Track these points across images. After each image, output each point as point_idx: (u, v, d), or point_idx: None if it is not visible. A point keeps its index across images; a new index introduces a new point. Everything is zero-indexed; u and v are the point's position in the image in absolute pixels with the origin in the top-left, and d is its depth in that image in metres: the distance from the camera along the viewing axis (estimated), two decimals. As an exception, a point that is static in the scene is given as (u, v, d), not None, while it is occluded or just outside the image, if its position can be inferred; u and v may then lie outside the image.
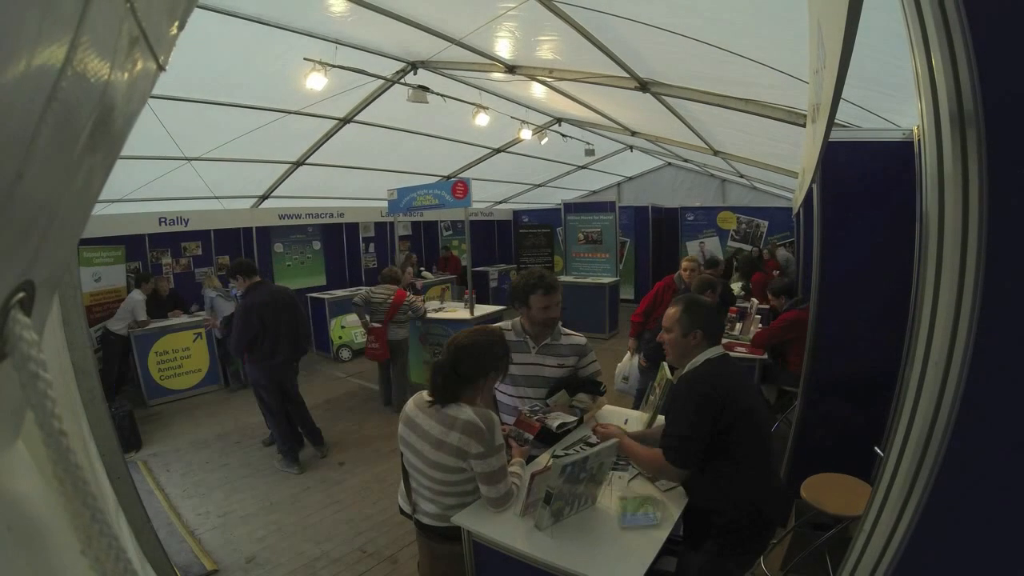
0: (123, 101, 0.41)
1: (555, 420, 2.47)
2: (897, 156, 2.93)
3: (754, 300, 5.94)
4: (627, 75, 4.83)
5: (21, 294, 0.34)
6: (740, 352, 4.38)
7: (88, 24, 0.33)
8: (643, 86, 4.92)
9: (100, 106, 0.38)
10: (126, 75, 0.40)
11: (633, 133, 8.51)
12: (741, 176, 10.79)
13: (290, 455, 4.54)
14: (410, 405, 2.07)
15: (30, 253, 0.34)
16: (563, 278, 9.66)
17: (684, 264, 4.85)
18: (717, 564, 1.96)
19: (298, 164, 7.42)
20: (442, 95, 5.73)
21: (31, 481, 0.36)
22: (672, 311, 2.21)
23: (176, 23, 0.49)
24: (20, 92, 0.30)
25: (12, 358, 0.32)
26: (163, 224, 7.19)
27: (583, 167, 11.31)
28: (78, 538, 0.34)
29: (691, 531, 2.05)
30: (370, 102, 6.13)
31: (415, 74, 5.62)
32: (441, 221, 12.25)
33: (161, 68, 0.46)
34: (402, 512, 2.19)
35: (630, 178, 13.65)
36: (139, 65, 0.42)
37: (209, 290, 6.64)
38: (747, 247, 10.91)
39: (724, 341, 4.49)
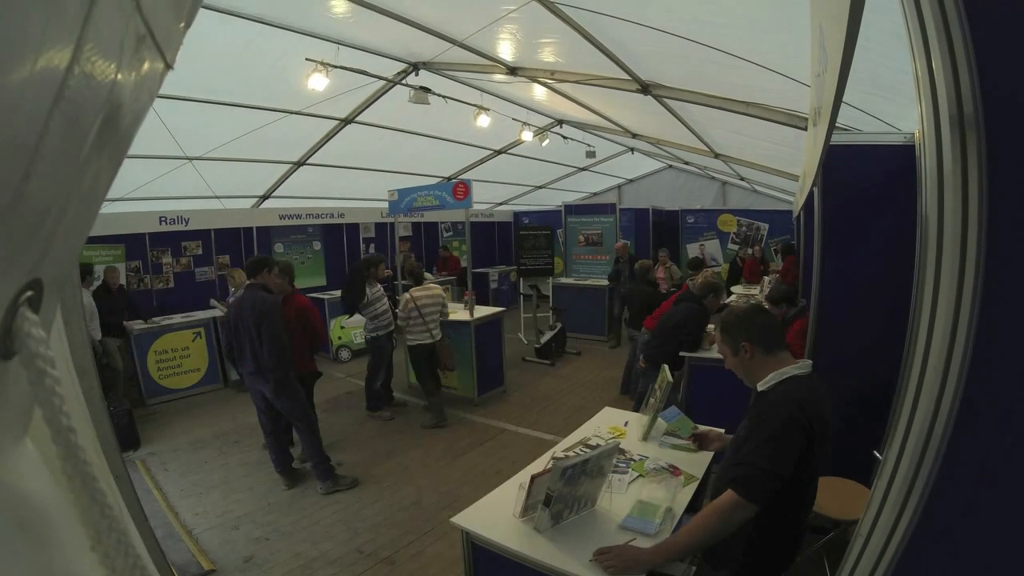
0: (131, 100, 0.41)
1: None
2: (898, 159, 2.94)
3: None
4: (628, 77, 4.84)
5: (29, 292, 0.34)
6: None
7: (94, 23, 0.34)
8: (644, 88, 4.93)
9: (107, 105, 0.38)
10: (133, 74, 0.41)
11: (634, 135, 8.53)
12: (742, 179, 10.81)
13: (279, 466, 4.31)
14: (415, 291, 5.05)
15: (38, 252, 0.34)
16: (563, 280, 9.69)
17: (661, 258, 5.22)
18: None
19: (299, 164, 7.42)
20: (443, 96, 5.74)
21: (40, 478, 0.36)
22: (716, 335, 2.11)
23: (183, 21, 0.49)
24: (27, 92, 0.30)
25: (21, 355, 0.32)
26: (163, 223, 7.19)
27: (584, 169, 11.32)
28: (87, 534, 0.34)
29: (715, 548, 1.83)
30: (371, 103, 6.14)
31: (416, 75, 5.63)
32: (441, 222, 12.25)
33: (169, 66, 0.46)
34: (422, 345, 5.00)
35: (631, 180, 13.67)
36: (146, 64, 0.42)
37: (233, 288, 6.48)
38: (749, 249, 10.94)
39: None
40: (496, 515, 2.02)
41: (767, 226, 11.08)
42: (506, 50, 5.04)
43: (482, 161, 9.39)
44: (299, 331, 4.37)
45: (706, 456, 2.57)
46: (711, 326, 4.40)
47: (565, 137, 8.40)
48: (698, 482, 2.32)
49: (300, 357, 4.33)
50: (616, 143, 9.88)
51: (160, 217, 7.16)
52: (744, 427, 1.94)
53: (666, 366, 3.00)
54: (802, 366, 1.85)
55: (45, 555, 0.34)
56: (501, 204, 13.22)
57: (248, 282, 4.13)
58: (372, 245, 10.51)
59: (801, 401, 1.72)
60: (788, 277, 5.94)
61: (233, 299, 4.19)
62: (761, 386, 1.88)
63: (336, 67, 4.72)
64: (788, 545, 1.83)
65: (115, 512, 0.34)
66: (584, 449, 2.56)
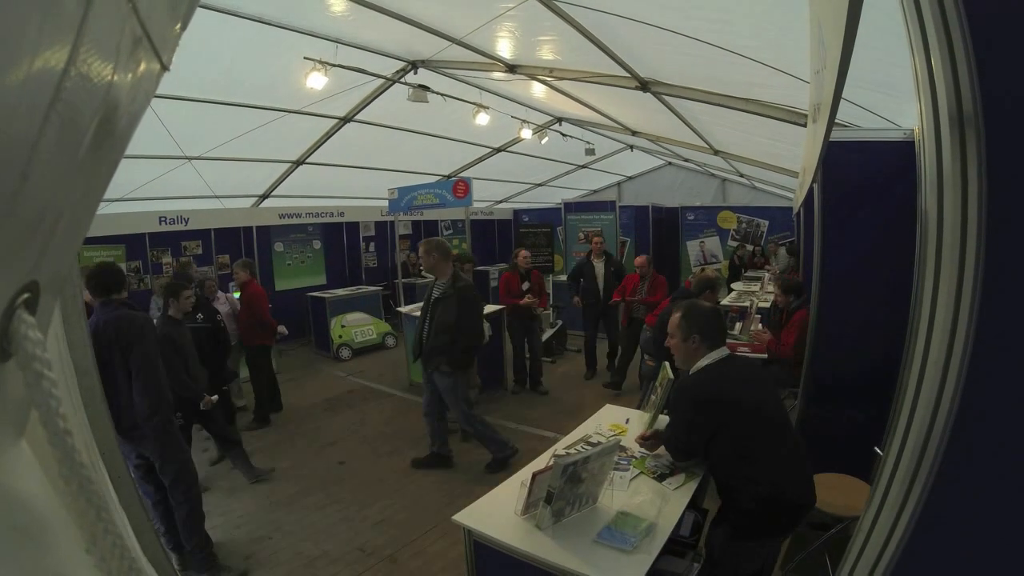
0: (127, 101, 0.41)
1: None
2: (898, 156, 2.93)
3: (754, 300, 5.94)
4: (628, 75, 4.83)
5: (26, 294, 0.34)
6: (744, 352, 4.37)
7: (90, 25, 0.33)
8: (644, 85, 4.92)
9: (104, 107, 0.38)
10: (129, 75, 0.41)
11: (634, 132, 8.51)
12: (741, 176, 10.80)
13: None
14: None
15: (35, 254, 0.34)
16: (563, 278, 9.68)
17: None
18: (733, 545, 2.10)
19: (298, 163, 7.42)
20: (442, 94, 5.73)
21: (35, 480, 0.36)
22: (674, 317, 2.34)
23: (179, 23, 0.49)
24: (23, 94, 0.30)
25: (17, 357, 0.32)
26: (163, 223, 7.20)
27: (583, 166, 11.31)
28: (83, 536, 0.34)
29: (721, 505, 2.23)
30: (370, 101, 6.13)
31: (415, 73, 5.62)
32: (441, 220, 12.24)
33: (165, 68, 0.46)
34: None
35: (630, 177, 13.64)
36: (142, 65, 0.42)
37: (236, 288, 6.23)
38: (749, 246, 10.94)
39: (731, 342, 4.53)
40: (498, 513, 2.03)
41: (767, 223, 11.07)
42: (505, 48, 5.03)
43: (481, 159, 9.38)
44: (246, 311, 5.26)
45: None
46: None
47: (564, 135, 8.39)
48: (699, 479, 2.32)
49: (249, 332, 5.26)
50: (615, 140, 9.87)
51: (160, 217, 7.16)
52: (671, 402, 2.44)
53: (667, 363, 3.00)
54: (719, 353, 2.23)
55: (41, 558, 0.34)
56: (501, 202, 13.20)
57: (103, 300, 2.94)
58: (372, 244, 10.51)
59: (707, 380, 2.18)
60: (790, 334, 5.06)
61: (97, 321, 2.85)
62: (692, 370, 2.26)
63: (335, 66, 4.72)
64: (764, 516, 2.06)
65: (111, 515, 0.34)
66: (585, 446, 2.56)
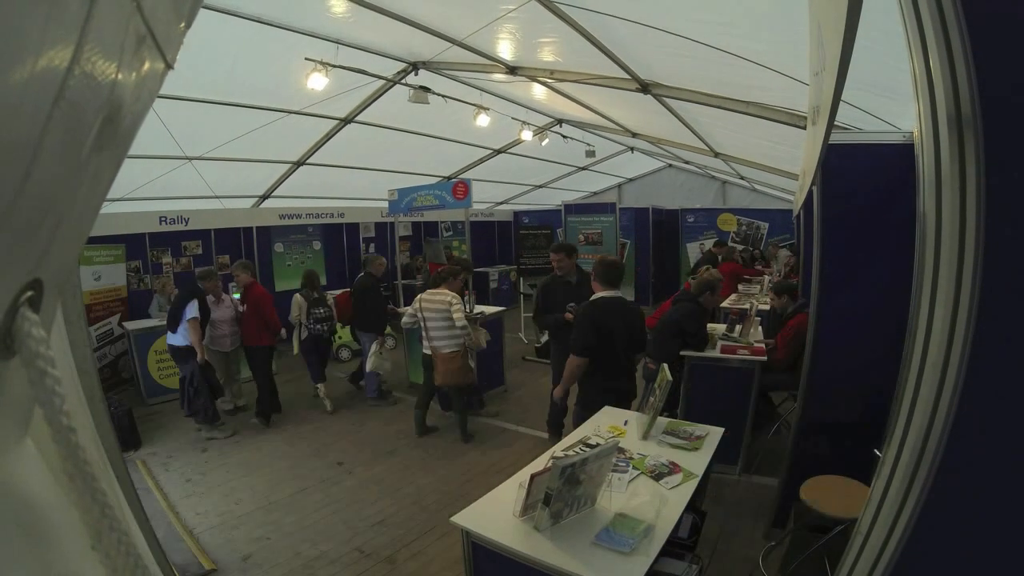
0: (131, 100, 0.41)
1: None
2: (897, 158, 2.93)
3: (754, 302, 5.94)
4: (628, 77, 4.84)
5: (30, 292, 0.34)
6: (744, 354, 4.37)
7: (94, 23, 0.34)
8: (644, 88, 4.93)
9: (108, 105, 0.38)
10: (134, 74, 0.41)
11: (634, 135, 8.52)
12: (742, 178, 10.81)
13: None
14: (424, 295, 4.81)
15: (39, 252, 0.34)
16: (563, 279, 9.68)
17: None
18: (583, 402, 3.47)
19: (299, 164, 7.42)
20: (443, 96, 5.74)
21: (40, 478, 0.36)
22: (593, 266, 3.58)
23: (183, 22, 0.49)
24: (27, 92, 0.30)
25: (21, 355, 0.33)
26: (163, 223, 7.20)
27: (584, 168, 11.32)
28: (88, 534, 0.35)
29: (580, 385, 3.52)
30: (371, 102, 6.14)
31: (416, 75, 5.63)
32: (441, 222, 12.25)
33: (169, 66, 0.47)
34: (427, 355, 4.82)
35: (631, 179, 13.66)
36: (147, 64, 0.43)
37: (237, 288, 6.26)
38: (750, 248, 10.94)
39: (725, 344, 4.52)
40: (496, 514, 2.02)
41: (767, 225, 11.09)
42: (505, 49, 5.04)
43: (482, 160, 9.39)
44: (252, 313, 5.41)
45: (707, 454, 2.58)
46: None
47: (565, 136, 8.40)
48: (698, 479, 2.32)
49: (254, 334, 5.46)
50: (616, 142, 9.88)
51: (160, 217, 7.16)
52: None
53: (665, 365, 3.00)
54: (609, 293, 3.42)
55: (45, 555, 0.34)
56: (501, 203, 13.22)
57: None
58: (372, 244, 10.51)
59: (593, 308, 3.38)
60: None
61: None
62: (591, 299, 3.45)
63: (335, 67, 4.72)
64: (604, 386, 3.43)
65: (116, 512, 0.34)
66: (584, 448, 2.56)
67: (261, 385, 5.54)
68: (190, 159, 6.04)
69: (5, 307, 0.32)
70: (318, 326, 5.85)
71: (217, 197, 7.37)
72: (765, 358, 4.29)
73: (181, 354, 5.08)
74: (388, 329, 6.48)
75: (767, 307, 5.86)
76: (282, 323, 5.74)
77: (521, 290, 9.50)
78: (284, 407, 5.83)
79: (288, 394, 6.10)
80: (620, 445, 2.52)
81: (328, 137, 6.82)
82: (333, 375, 7.26)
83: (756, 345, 4.51)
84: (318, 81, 4.74)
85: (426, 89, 5.49)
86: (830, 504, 2.58)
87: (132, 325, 6.35)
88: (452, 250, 11.72)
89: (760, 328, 5.29)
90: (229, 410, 5.83)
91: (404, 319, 5.06)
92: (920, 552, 1.14)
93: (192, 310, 4.99)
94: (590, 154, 9.05)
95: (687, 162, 11.07)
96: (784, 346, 4.39)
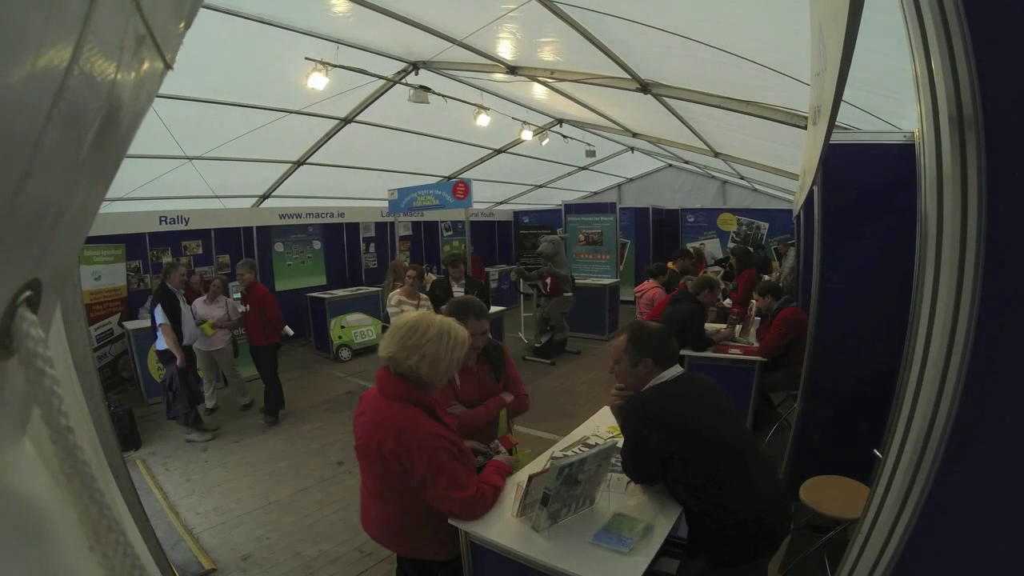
0: (130, 100, 0.41)
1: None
2: (898, 158, 2.93)
3: (754, 302, 5.93)
4: (628, 76, 4.84)
5: (28, 292, 0.34)
6: (735, 353, 4.37)
7: (94, 23, 0.34)
8: (644, 87, 4.92)
9: (107, 105, 0.38)
10: (133, 74, 0.41)
11: (634, 134, 8.51)
12: (742, 178, 10.80)
13: None
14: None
15: (37, 252, 0.34)
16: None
17: None
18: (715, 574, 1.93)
19: (299, 164, 7.42)
20: (443, 95, 5.74)
21: (38, 478, 0.36)
22: (618, 341, 2.18)
23: (183, 22, 0.49)
24: (27, 92, 0.30)
25: (19, 355, 0.32)
26: (164, 223, 7.19)
27: (584, 168, 11.31)
28: (85, 534, 0.34)
29: (692, 536, 2.04)
30: (371, 102, 6.13)
31: (416, 74, 5.62)
32: (441, 221, 12.23)
33: (168, 67, 0.46)
34: None
35: (631, 179, 13.65)
36: (146, 64, 0.42)
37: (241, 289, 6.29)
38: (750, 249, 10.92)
39: (723, 343, 4.52)
40: (494, 514, 2.02)
41: (767, 225, 11.08)
42: (506, 49, 5.04)
43: (482, 160, 9.38)
44: (256, 313, 5.41)
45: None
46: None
47: (565, 136, 8.39)
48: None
49: (260, 333, 5.48)
50: (616, 142, 9.87)
51: (160, 217, 7.15)
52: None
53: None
54: (671, 372, 2.10)
55: (43, 555, 0.34)
56: (501, 203, 13.20)
57: None
58: (372, 244, 10.51)
59: (653, 399, 2.05)
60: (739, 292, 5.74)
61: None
62: (645, 388, 2.13)
63: (336, 66, 4.72)
64: (740, 539, 1.89)
65: (114, 512, 0.34)
66: (582, 448, 2.56)
67: (268, 383, 5.55)
68: (190, 159, 6.04)
69: (3, 307, 0.32)
70: None
71: (217, 197, 7.36)
72: (758, 357, 4.28)
73: (164, 357, 5.15)
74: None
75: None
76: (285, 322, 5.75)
77: (521, 290, 9.49)
78: (284, 406, 5.83)
79: (288, 393, 6.09)
80: (619, 445, 2.51)
81: (328, 137, 6.82)
82: (335, 375, 7.26)
83: (749, 345, 4.52)
84: (318, 81, 4.73)
85: (426, 89, 5.49)
86: (830, 504, 2.58)
87: (132, 325, 6.34)
88: (453, 250, 11.70)
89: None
90: (210, 409, 5.88)
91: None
92: (921, 552, 1.14)
93: (159, 316, 5.00)
94: (590, 154, 9.05)
95: (687, 162, 11.06)
96: (770, 340, 4.37)
